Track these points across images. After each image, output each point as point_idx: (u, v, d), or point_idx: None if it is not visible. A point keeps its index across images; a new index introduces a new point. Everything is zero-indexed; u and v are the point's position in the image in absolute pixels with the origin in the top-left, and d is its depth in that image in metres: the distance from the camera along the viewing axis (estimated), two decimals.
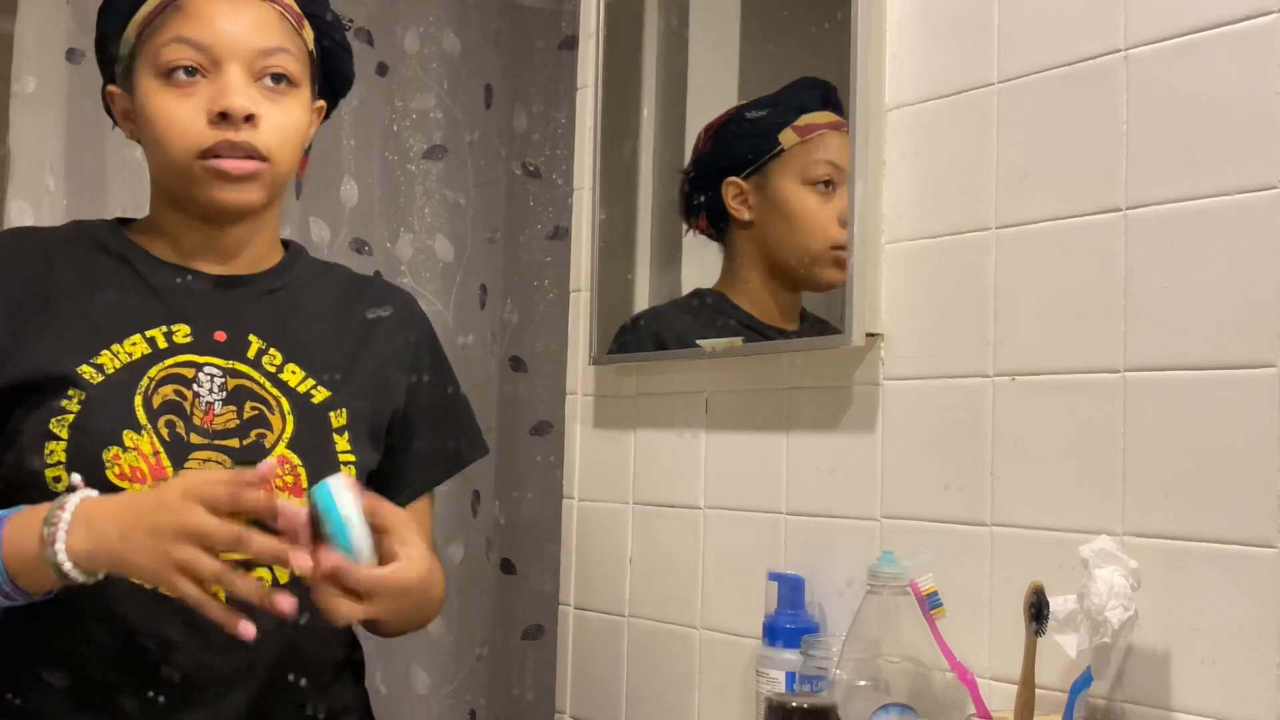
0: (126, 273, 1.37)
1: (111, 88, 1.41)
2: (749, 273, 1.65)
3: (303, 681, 1.33)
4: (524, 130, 2.62)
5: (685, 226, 1.74)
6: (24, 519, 1.19)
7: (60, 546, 1.14)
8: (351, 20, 1.53)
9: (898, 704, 1.28)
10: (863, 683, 1.30)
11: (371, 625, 1.33)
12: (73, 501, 1.17)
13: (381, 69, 2.47)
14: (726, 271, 1.69)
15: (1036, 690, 1.19)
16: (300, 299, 1.43)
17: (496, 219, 2.58)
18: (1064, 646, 1.16)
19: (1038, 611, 1.17)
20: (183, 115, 1.31)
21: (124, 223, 1.44)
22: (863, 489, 1.47)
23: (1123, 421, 1.23)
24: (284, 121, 1.34)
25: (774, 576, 1.50)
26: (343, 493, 1.16)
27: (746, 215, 1.62)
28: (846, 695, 1.29)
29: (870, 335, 1.46)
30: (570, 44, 2.47)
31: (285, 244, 1.48)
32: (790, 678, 1.44)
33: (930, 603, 1.26)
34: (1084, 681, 1.18)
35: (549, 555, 2.27)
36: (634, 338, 1.77)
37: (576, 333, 1.90)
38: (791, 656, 1.44)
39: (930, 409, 1.42)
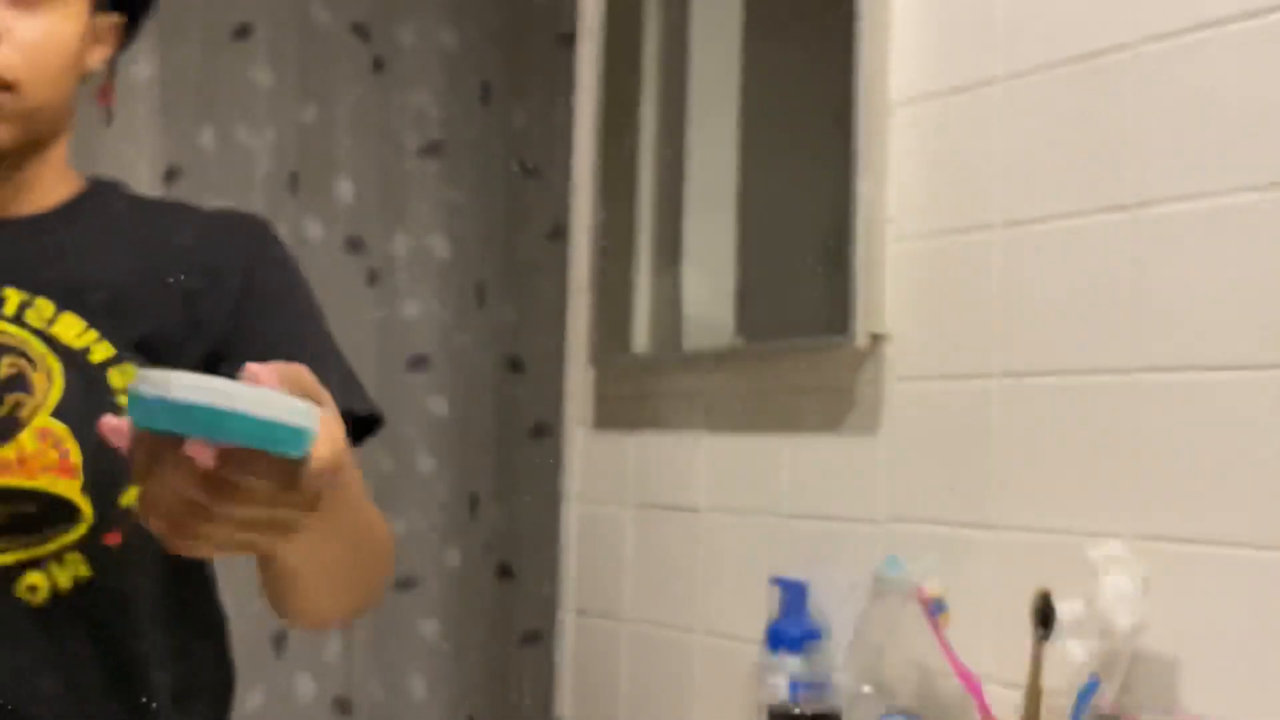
0: None
1: None
2: None
3: None
4: (522, 127, 2.61)
5: None
6: None
7: None
8: None
9: (903, 710, 1.28)
10: (867, 689, 1.29)
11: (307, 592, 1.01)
12: None
13: (377, 64, 2.46)
14: None
15: (1043, 696, 1.18)
16: (86, 240, 1.16)
17: (494, 217, 2.57)
18: (1071, 652, 1.16)
19: (1045, 616, 1.17)
20: None
21: None
22: (866, 492, 1.46)
23: (1131, 423, 1.22)
24: (38, 37, 1.08)
25: (776, 581, 1.49)
26: (190, 380, 0.67)
27: None
28: (851, 702, 1.29)
29: (874, 336, 1.45)
30: (569, 40, 2.45)
31: (96, 184, 1.21)
32: (793, 684, 1.43)
33: (935, 608, 1.25)
34: (1091, 688, 1.17)
35: (548, 559, 2.26)
36: None
37: (576, 333, 1.89)
38: (794, 662, 1.43)
39: (935, 410, 1.41)
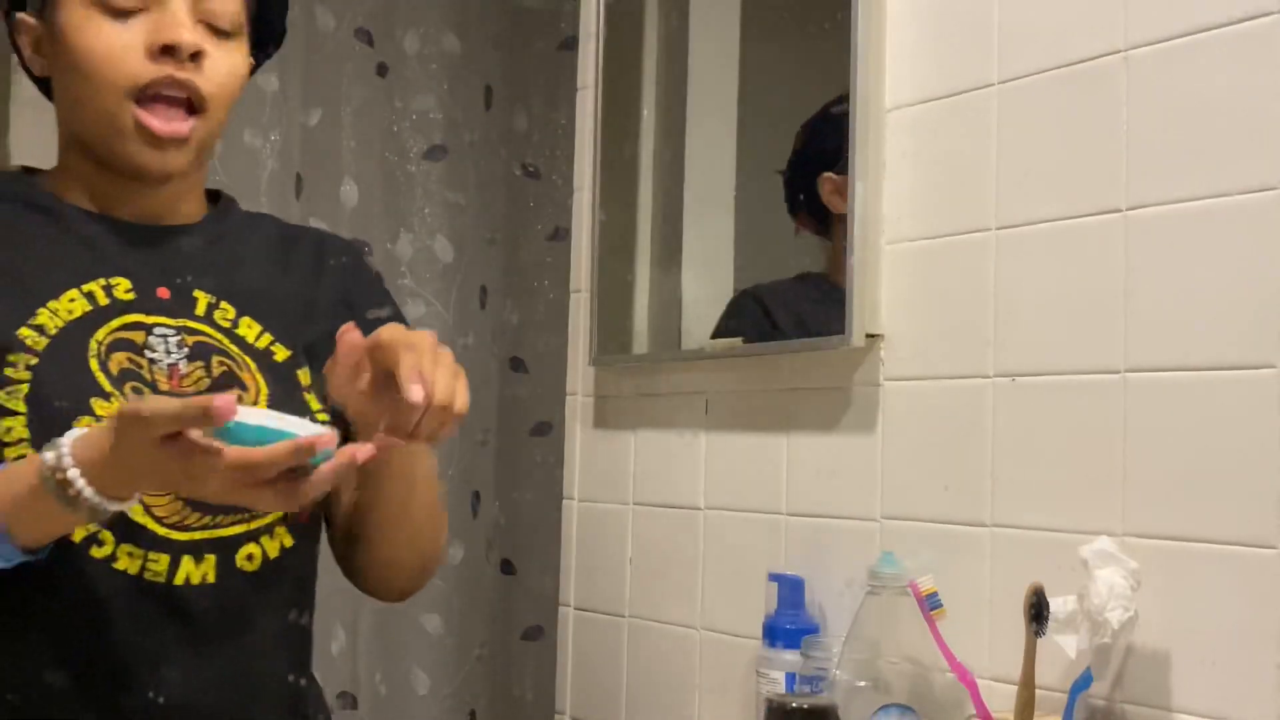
0: (46, 223, 1.22)
1: (23, 15, 1.25)
2: None
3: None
4: (524, 131, 2.62)
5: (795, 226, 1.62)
6: (11, 470, 1.05)
7: (69, 461, 0.99)
8: None
9: (898, 705, 1.28)
10: (863, 683, 1.30)
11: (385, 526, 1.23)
12: (66, 438, 1.02)
13: (381, 69, 2.47)
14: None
15: (1036, 691, 1.19)
16: (240, 250, 1.29)
17: (496, 220, 2.58)
18: (1064, 647, 1.16)
19: (1038, 612, 1.17)
20: (118, 44, 1.16)
21: (29, 172, 1.31)
22: (863, 490, 1.47)
23: (1123, 422, 1.23)
24: (229, 68, 1.21)
25: (774, 577, 1.50)
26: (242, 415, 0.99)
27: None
28: (847, 696, 1.29)
29: (870, 336, 1.46)
30: (570, 45, 2.46)
31: (215, 195, 1.34)
32: (790, 678, 1.44)
33: (930, 603, 1.26)
34: (1084, 682, 1.18)
35: (549, 556, 2.28)
36: (748, 316, 1.65)
37: (576, 333, 1.90)
38: (791, 657, 1.44)
39: (930, 410, 1.42)
